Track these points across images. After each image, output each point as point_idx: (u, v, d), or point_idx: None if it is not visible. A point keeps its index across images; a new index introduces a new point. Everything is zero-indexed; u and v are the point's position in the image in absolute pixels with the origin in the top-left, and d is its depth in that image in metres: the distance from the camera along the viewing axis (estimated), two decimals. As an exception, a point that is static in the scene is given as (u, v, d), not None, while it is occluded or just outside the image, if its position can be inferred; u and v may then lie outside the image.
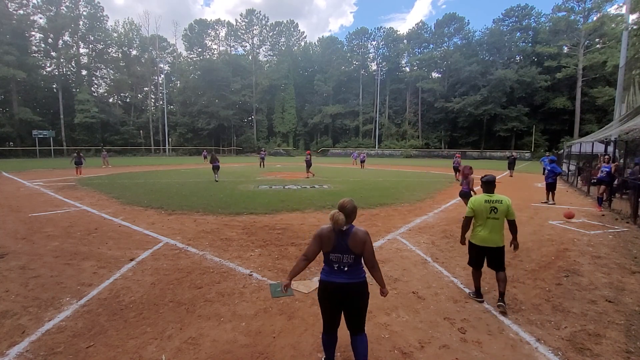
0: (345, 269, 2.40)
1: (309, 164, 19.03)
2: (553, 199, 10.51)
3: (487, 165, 32.35)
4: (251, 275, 4.40)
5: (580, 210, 9.38)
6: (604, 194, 9.51)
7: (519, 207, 9.68)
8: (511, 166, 19.87)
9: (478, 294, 3.81)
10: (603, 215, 8.71)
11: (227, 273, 4.47)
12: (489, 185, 3.74)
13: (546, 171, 11.48)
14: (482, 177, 3.85)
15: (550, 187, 10.45)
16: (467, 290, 3.99)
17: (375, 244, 5.81)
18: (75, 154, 19.36)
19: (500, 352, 2.82)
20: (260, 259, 5.04)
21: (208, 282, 4.18)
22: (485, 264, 3.77)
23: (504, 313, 3.46)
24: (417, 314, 3.44)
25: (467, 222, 3.81)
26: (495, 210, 3.57)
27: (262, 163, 26.18)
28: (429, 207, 9.46)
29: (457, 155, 19.71)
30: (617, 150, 11.62)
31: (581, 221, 7.93)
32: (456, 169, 17.45)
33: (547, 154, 17.53)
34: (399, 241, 6.05)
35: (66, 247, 5.54)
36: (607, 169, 9.40)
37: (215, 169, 15.76)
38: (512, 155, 21.24)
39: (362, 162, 26.98)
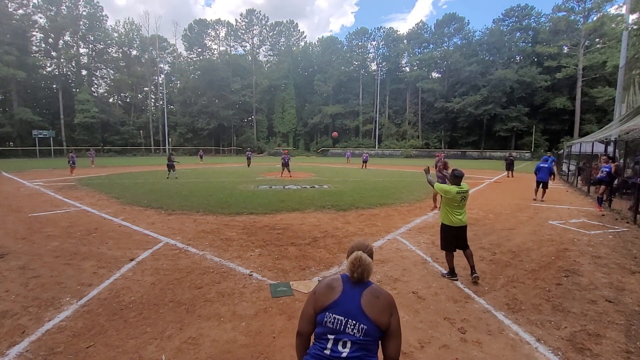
0: (346, 350, 1.48)
1: (286, 164, 18.55)
2: (542, 197, 10.95)
3: (487, 165, 32.40)
4: (251, 275, 4.40)
5: (580, 210, 9.38)
6: (604, 194, 9.52)
7: (519, 207, 9.69)
8: (510, 167, 19.81)
9: (453, 274, 4.36)
10: (603, 215, 8.71)
11: (227, 273, 4.46)
12: (459, 179, 4.37)
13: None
14: (453, 171, 4.43)
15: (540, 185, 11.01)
16: (468, 291, 4.00)
17: (375, 244, 5.80)
18: (73, 154, 19.84)
19: (500, 352, 2.82)
20: (260, 259, 5.03)
21: (208, 282, 4.18)
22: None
23: (477, 281, 4.20)
24: (417, 314, 3.44)
25: (432, 188, 4.67)
26: (465, 197, 4.34)
27: (248, 162, 27.51)
28: (429, 207, 9.45)
29: (438, 155, 20.43)
30: (617, 150, 11.63)
31: (581, 221, 7.93)
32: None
33: (548, 154, 17.56)
34: (399, 241, 6.05)
35: (66, 247, 5.54)
36: (607, 169, 9.40)
37: (170, 167, 16.40)
38: (511, 156, 21.21)
39: (365, 162, 26.99)
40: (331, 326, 1.51)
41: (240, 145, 62.49)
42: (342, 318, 1.50)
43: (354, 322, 1.49)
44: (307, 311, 1.63)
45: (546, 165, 11.04)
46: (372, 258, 1.65)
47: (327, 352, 1.48)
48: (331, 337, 1.50)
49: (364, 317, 1.50)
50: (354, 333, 1.48)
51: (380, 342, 1.58)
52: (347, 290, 1.56)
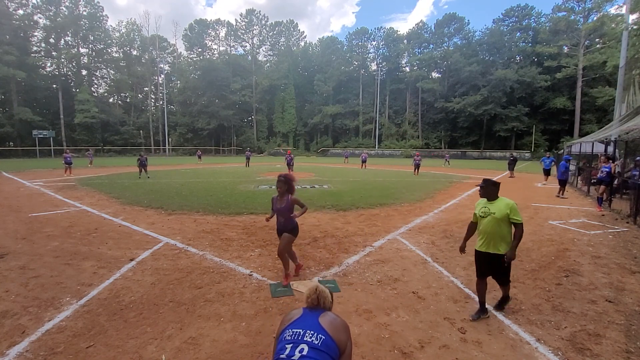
0: (303, 353, 1.43)
1: (290, 165, 18.83)
2: (560, 193, 11.85)
3: (487, 165, 32.38)
4: (251, 275, 4.40)
5: (580, 210, 9.38)
6: (604, 194, 9.52)
7: (519, 207, 9.67)
8: (511, 166, 19.90)
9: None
10: (603, 215, 8.71)
11: (227, 273, 4.47)
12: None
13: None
14: (491, 180, 3.59)
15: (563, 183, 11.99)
16: (468, 291, 3.98)
17: (375, 244, 5.81)
18: (67, 154, 19.14)
19: (500, 352, 2.82)
20: (260, 259, 5.04)
21: (208, 282, 4.18)
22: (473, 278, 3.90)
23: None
24: (417, 314, 3.44)
25: None
26: None
27: (247, 162, 27.55)
28: (429, 207, 9.45)
29: (417, 154, 22.82)
30: (617, 150, 11.65)
31: (581, 221, 7.93)
32: (417, 166, 20.56)
33: (547, 154, 17.60)
34: (399, 241, 6.05)
35: (66, 247, 5.54)
36: (607, 169, 9.41)
37: (142, 167, 17.25)
38: (512, 156, 21.47)
39: (364, 162, 27.00)
40: (289, 338, 1.52)
41: (240, 145, 62.41)
42: (301, 330, 1.53)
43: (312, 332, 1.51)
44: (276, 339, 1.66)
45: (564, 164, 12.05)
46: (332, 299, 1.82)
47: (283, 356, 1.45)
48: (289, 345, 1.48)
49: (322, 330, 1.52)
50: (312, 340, 1.48)
51: None
52: (306, 313, 1.68)
